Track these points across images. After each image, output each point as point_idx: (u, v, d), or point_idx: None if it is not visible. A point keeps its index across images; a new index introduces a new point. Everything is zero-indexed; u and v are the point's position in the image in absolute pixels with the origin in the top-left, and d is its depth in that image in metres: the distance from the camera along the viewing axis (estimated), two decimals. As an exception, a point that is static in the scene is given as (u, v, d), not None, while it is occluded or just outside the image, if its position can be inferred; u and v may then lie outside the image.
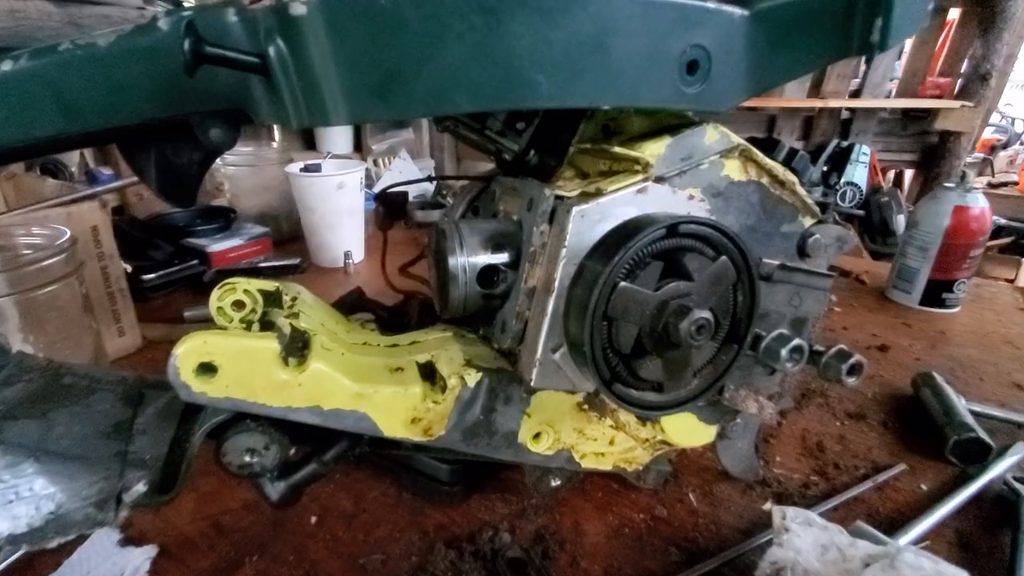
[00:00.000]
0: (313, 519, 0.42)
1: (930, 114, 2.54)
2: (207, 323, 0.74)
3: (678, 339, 0.28)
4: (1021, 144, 3.67)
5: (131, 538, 0.40)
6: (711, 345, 0.31)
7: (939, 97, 2.55)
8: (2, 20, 0.57)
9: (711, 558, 0.39)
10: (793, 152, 0.39)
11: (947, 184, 0.78)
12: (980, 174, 3.48)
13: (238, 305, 0.40)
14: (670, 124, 0.36)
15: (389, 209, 0.47)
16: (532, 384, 0.35)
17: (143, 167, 0.30)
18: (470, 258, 0.36)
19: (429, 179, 0.47)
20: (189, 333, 0.28)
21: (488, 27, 0.25)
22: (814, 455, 0.51)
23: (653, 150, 0.34)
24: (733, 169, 0.37)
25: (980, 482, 0.46)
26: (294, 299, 0.38)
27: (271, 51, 0.25)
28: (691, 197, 0.36)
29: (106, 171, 0.98)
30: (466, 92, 0.26)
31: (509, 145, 0.36)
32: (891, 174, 2.92)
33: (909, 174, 2.85)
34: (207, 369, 0.28)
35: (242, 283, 0.40)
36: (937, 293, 0.80)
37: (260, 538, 0.41)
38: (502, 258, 0.37)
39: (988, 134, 3.44)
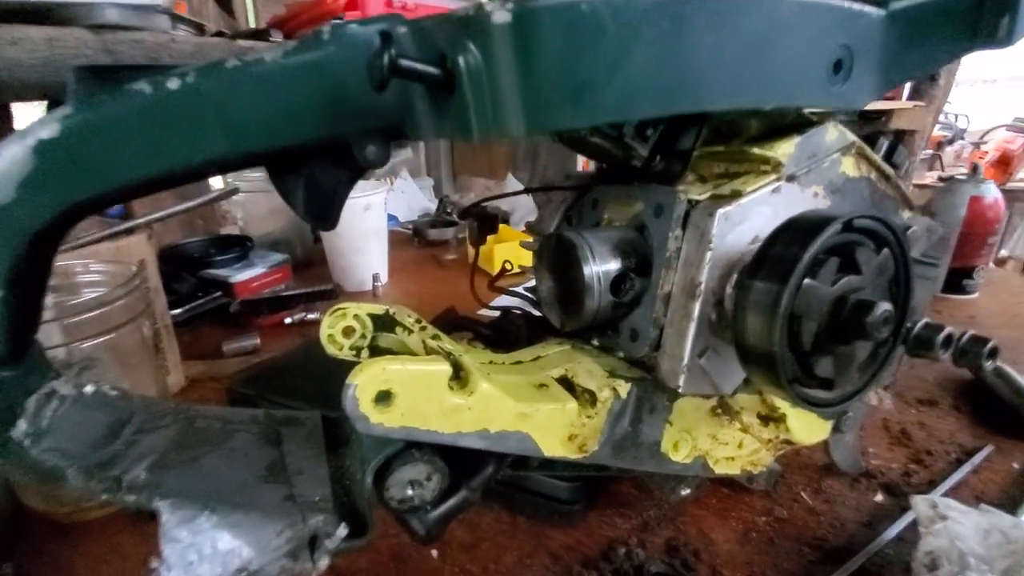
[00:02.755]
0: (434, 553, 0.40)
1: (884, 115, 2.69)
2: (247, 356, 0.70)
3: (863, 333, 0.28)
4: (963, 139, 3.92)
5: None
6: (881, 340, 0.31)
7: (891, 99, 2.71)
8: (40, 49, 0.54)
9: (852, 556, 0.39)
10: (893, 147, 0.40)
11: (960, 176, 0.82)
12: (931, 168, 3.69)
13: (348, 331, 0.39)
14: (785, 124, 0.37)
15: (483, 225, 0.46)
16: (680, 390, 0.34)
17: (290, 190, 0.29)
18: (602, 267, 0.35)
19: (527, 191, 0.45)
20: (366, 364, 0.27)
21: (675, 31, 0.25)
22: (902, 443, 0.52)
23: (784, 150, 0.34)
24: (849, 166, 0.38)
25: (1069, 456, 0.47)
26: (419, 321, 0.36)
27: (461, 62, 0.24)
28: (815, 195, 0.36)
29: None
30: (650, 97, 0.26)
31: (642, 151, 0.36)
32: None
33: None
34: (383, 398, 0.27)
35: (352, 308, 0.38)
36: (958, 280, 0.84)
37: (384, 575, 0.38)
38: (629, 265, 0.36)
39: (935, 131, 3.66)
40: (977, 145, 3.87)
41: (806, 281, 0.28)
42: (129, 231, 0.57)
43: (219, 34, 0.74)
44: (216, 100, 0.24)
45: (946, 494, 0.45)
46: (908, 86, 2.66)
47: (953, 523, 0.35)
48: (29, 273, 0.25)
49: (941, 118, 3.87)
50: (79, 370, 0.29)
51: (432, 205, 1.43)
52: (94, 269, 0.47)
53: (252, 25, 1.11)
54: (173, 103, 0.24)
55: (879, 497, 0.45)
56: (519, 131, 0.25)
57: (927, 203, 0.85)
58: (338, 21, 0.26)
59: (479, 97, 0.24)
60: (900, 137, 2.71)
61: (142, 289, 0.46)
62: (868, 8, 0.31)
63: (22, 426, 0.25)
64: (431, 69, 0.24)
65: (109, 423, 0.29)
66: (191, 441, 0.29)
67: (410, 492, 0.30)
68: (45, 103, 0.92)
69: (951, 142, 3.94)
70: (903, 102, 2.65)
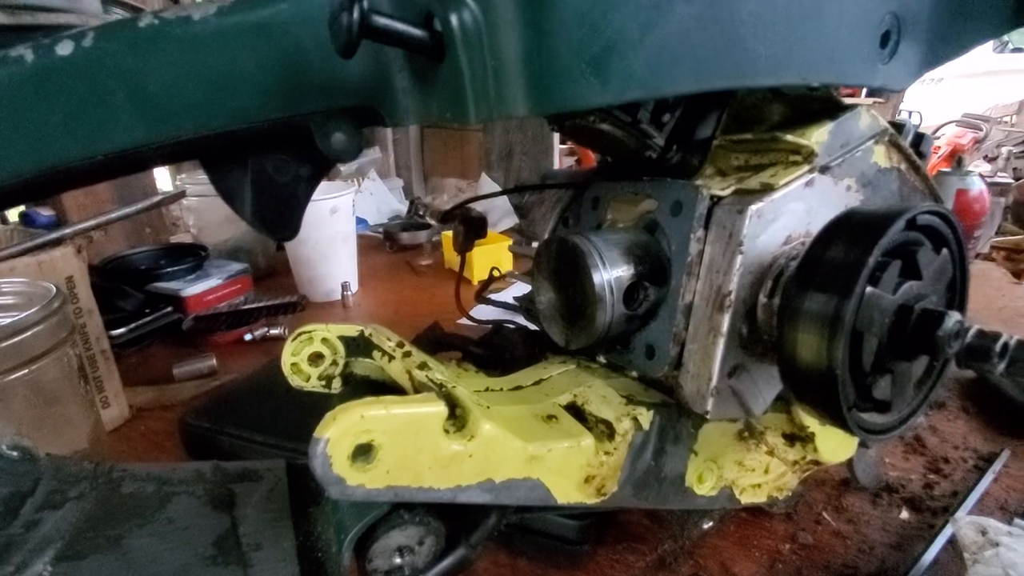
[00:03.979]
0: (425, 611, 0.35)
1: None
2: (202, 379, 0.63)
3: (931, 347, 0.24)
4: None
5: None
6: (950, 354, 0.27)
7: (851, 95, 2.78)
8: (-72, 29, 0.45)
9: (888, 586, 0.35)
10: (920, 136, 0.37)
11: (944, 170, 0.81)
12: (888, 164, 3.82)
13: (315, 358, 0.33)
14: (810, 109, 0.33)
15: (470, 228, 0.40)
16: (708, 416, 0.29)
17: (234, 188, 0.23)
18: (614, 274, 0.31)
19: (519, 189, 0.39)
20: (339, 411, 0.21)
21: (718, -15, 0.20)
22: (918, 451, 0.49)
23: (817, 137, 0.30)
24: (880, 155, 0.34)
25: (1090, 459, 0.45)
26: (400, 344, 0.31)
27: (454, 21, 0.19)
28: (848, 188, 0.32)
29: (44, 212, 0.83)
30: (688, 67, 0.21)
31: (658, 140, 0.31)
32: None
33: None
34: (362, 452, 0.21)
35: (319, 331, 0.32)
36: (945, 274, 0.82)
37: (369, 648, 0.32)
38: (642, 272, 0.32)
39: (891, 128, 3.78)
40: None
41: (869, 289, 0.23)
42: (55, 243, 0.49)
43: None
44: (126, 70, 0.18)
45: (973, 509, 0.42)
46: (867, 84, 2.74)
47: (1006, 550, 0.31)
48: None
49: (896, 115, 4.02)
50: (-40, 428, 0.22)
51: (403, 207, 1.37)
52: (8, 290, 0.39)
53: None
54: (65, 74, 0.18)
55: (904, 514, 0.42)
56: (528, 110, 0.19)
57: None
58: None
59: (477, 66, 0.19)
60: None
61: (66, 311, 0.38)
62: (916, -29, 0.27)
63: None
64: (414, 30, 0.19)
65: (6, 497, 0.22)
66: (114, 514, 0.23)
67: (398, 560, 0.24)
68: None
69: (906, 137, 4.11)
70: (862, 99, 2.72)
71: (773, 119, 0.33)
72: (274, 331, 0.73)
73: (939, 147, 4.06)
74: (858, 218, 0.24)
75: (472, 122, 0.20)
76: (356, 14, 0.17)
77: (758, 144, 0.32)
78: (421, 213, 1.29)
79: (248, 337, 0.72)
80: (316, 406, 0.28)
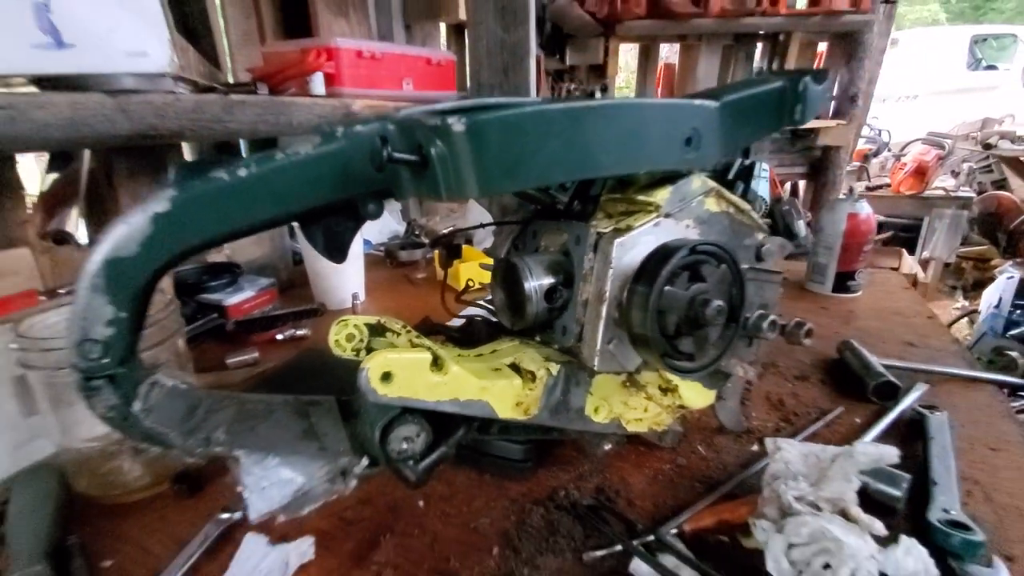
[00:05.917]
0: (421, 503, 0.52)
1: (813, 132, 2.97)
2: (249, 368, 0.81)
3: (704, 321, 0.42)
4: (888, 151, 4.31)
5: (275, 540, 0.48)
6: (719, 326, 0.46)
7: (818, 118, 2.99)
8: (64, 111, 0.64)
9: (724, 484, 0.53)
10: (746, 190, 0.56)
11: (840, 197, 1.00)
12: (858, 179, 4.06)
13: (350, 337, 0.51)
14: (667, 176, 0.52)
15: (449, 252, 0.59)
16: (596, 368, 0.48)
17: (313, 235, 0.41)
18: (538, 282, 0.49)
19: (482, 226, 0.56)
20: (374, 355, 0.39)
21: (574, 128, 0.39)
22: (777, 409, 0.67)
23: (662, 196, 0.49)
24: (711, 204, 0.52)
25: (896, 412, 0.64)
26: (404, 326, 0.49)
27: (433, 152, 0.37)
28: (687, 226, 0.51)
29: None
30: (560, 169, 0.40)
31: (562, 198, 0.49)
32: (788, 185, 3.35)
33: (802, 184, 3.28)
34: (386, 377, 0.39)
35: (352, 319, 0.50)
36: (843, 282, 1.01)
37: (384, 522, 0.50)
38: (559, 280, 0.50)
39: (861, 145, 4.02)
40: (898, 157, 4.24)
41: (667, 288, 0.42)
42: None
43: (211, 89, 0.85)
44: (269, 180, 0.37)
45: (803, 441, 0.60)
46: (832, 106, 2.97)
47: (785, 452, 0.49)
48: (143, 301, 0.37)
49: (867, 132, 4.26)
50: (161, 368, 0.40)
51: (401, 228, 1.55)
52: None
53: (229, 68, 1.21)
54: (242, 185, 0.36)
55: (755, 447, 0.60)
56: (474, 195, 0.38)
57: (815, 219, 1.02)
58: (350, 120, 0.39)
59: (445, 173, 0.38)
60: (827, 152, 3.01)
61: (176, 312, 0.56)
62: (707, 102, 0.46)
63: (137, 405, 0.37)
64: (412, 156, 0.37)
65: (187, 406, 0.40)
66: (246, 417, 0.41)
67: (405, 446, 0.42)
68: (47, 155, 1.01)
69: (876, 154, 4.33)
70: (827, 121, 2.94)
71: (641, 182, 0.52)
72: (300, 332, 0.90)
73: (905, 164, 4.26)
74: (663, 248, 0.43)
75: (444, 200, 0.39)
76: (385, 155, 0.36)
77: (628, 199, 0.51)
78: (417, 233, 1.47)
79: (279, 337, 0.89)
80: (337, 379, 0.46)
